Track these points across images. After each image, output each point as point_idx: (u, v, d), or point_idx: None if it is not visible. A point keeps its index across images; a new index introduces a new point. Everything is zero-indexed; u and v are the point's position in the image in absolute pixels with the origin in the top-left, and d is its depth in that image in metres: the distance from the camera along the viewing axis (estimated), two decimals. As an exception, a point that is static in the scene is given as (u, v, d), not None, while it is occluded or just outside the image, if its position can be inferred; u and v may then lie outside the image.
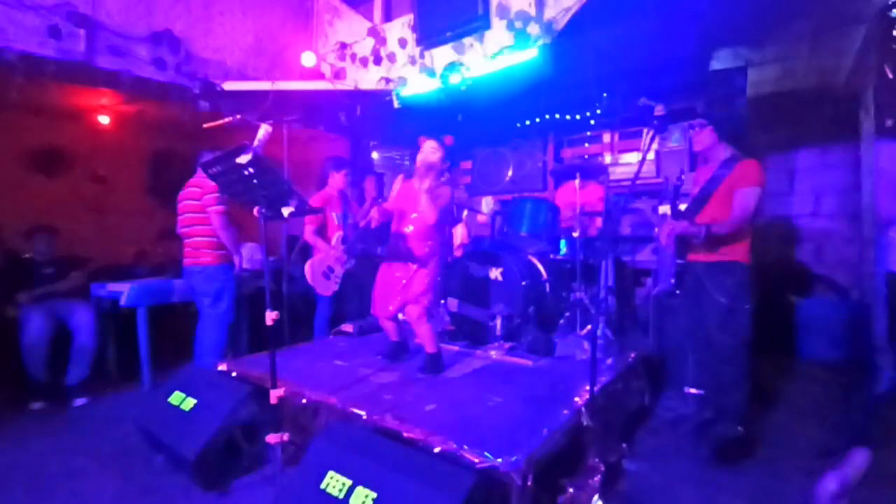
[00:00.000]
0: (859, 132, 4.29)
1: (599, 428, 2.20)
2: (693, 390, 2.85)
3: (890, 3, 2.76)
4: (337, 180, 3.83)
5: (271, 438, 2.19)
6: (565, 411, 2.19)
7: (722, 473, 2.35)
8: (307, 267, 3.52)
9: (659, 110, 2.57)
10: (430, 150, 2.83)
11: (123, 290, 3.56)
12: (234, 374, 2.80)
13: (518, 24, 3.38)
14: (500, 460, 1.72)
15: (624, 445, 2.56)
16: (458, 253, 3.96)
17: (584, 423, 2.17)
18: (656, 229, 3.85)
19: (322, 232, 3.71)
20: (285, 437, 2.22)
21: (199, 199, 3.28)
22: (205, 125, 3.28)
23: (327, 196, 3.80)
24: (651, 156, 4.45)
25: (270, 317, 2.17)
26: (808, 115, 4.63)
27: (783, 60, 3.98)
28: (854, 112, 4.31)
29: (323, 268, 3.57)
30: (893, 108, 2.76)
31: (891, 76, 2.65)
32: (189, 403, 2.44)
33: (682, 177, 2.76)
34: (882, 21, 2.87)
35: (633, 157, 4.54)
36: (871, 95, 3.52)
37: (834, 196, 4.67)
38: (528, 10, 3.33)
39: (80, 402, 3.36)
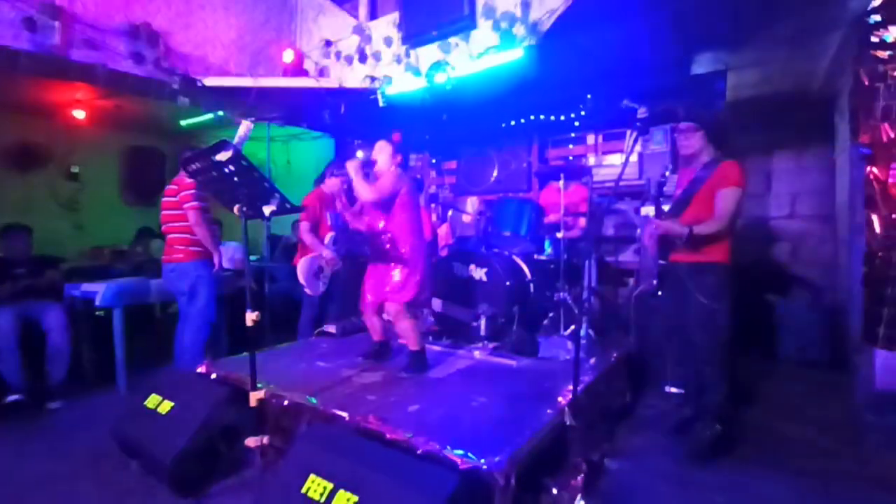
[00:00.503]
0: (834, 136, 4.40)
1: (582, 427, 2.21)
2: (674, 389, 2.89)
3: (868, 8, 2.83)
4: (334, 183, 3.82)
5: (251, 442, 2.14)
6: (549, 411, 2.20)
7: (703, 471, 2.38)
8: (300, 264, 3.50)
9: (642, 112, 2.60)
10: (376, 149, 2.92)
11: (98, 290, 3.47)
12: (213, 375, 2.75)
13: (504, 25, 3.39)
14: (483, 461, 1.71)
15: (606, 444, 2.58)
16: (442, 252, 3.95)
17: (568, 423, 2.17)
18: (639, 230, 3.90)
19: (315, 230, 3.68)
20: (265, 440, 2.18)
21: (175, 195, 3.24)
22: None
23: (322, 194, 3.79)
24: (634, 157, 4.50)
25: (250, 318, 2.13)
26: (785, 119, 4.74)
27: (761, 65, 4.06)
28: (829, 116, 4.42)
29: (314, 267, 3.55)
30: (868, 112, 2.83)
31: (867, 82, 2.71)
32: (166, 406, 2.38)
33: (666, 174, 2.78)
34: (859, 26, 2.94)
35: (616, 159, 4.58)
36: (847, 100, 3.61)
37: (809, 198, 4.79)
38: (514, 10, 3.34)
39: (55, 405, 3.26)
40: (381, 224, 2.86)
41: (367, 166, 2.83)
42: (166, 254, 3.35)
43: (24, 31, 3.19)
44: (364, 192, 2.73)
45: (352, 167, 2.74)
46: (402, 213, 2.82)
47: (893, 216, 2.54)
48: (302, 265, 3.50)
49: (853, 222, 3.64)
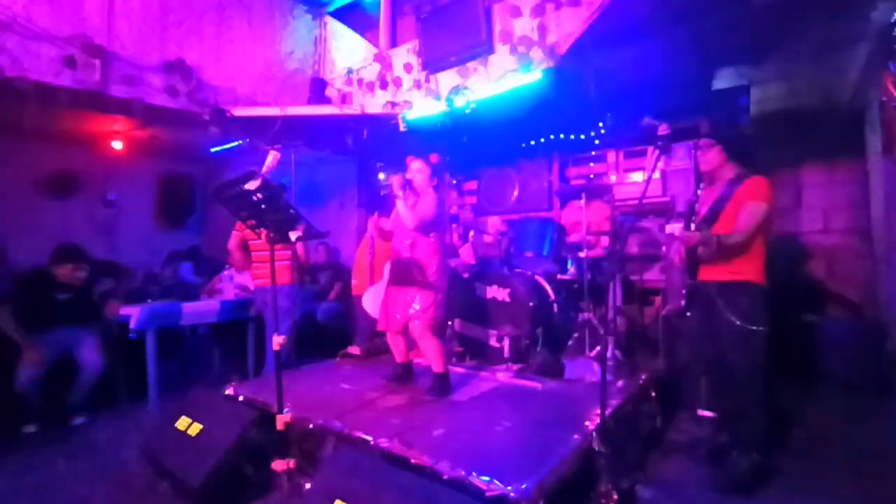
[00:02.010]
0: (866, 149, 4.28)
1: (611, 453, 2.15)
2: (707, 413, 2.79)
3: (893, 21, 2.78)
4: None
5: (277, 465, 2.15)
6: (576, 436, 2.15)
7: (739, 502, 2.27)
8: (366, 296, 3.54)
9: (663, 129, 2.58)
10: (413, 170, 2.92)
11: (132, 314, 3.57)
12: (241, 398, 2.78)
13: (521, 49, 3.44)
14: (510, 488, 1.68)
15: (637, 471, 2.49)
16: (464, 274, 3.95)
17: (596, 449, 2.12)
18: (664, 248, 3.83)
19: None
20: (291, 463, 2.18)
21: None
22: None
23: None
24: (657, 175, 4.46)
25: (277, 341, 2.17)
26: (814, 132, 4.63)
27: (785, 79, 4.01)
28: (860, 129, 4.30)
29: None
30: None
31: (896, 94, 2.65)
32: (195, 429, 2.42)
33: (698, 192, 2.70)
34: (885, 40, 2.88)
35: (638, 176, 4.54)
36: (877, 113, 3.52)
37: (843, 212, 4.63)
38: (531, 35, 3.39)
39: (78, 420, 3.33)
40: (409, 242, 2.87)
41: (405, 187, 2.85)
42: (268, 276, 3.53)
43: (66, 69, 3.38)
44: (408, 218, 2.79)
45: (396, 185, 2.80)
46: (434, 234, 2.86)
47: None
48: (367, 297, 3.54)
49: (891, 237, 3.51)
